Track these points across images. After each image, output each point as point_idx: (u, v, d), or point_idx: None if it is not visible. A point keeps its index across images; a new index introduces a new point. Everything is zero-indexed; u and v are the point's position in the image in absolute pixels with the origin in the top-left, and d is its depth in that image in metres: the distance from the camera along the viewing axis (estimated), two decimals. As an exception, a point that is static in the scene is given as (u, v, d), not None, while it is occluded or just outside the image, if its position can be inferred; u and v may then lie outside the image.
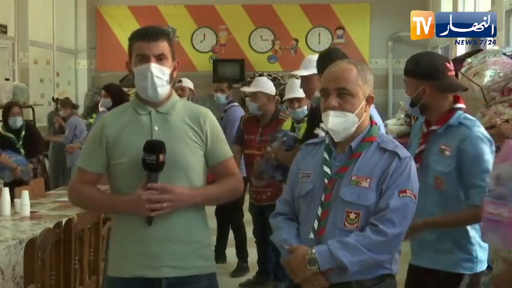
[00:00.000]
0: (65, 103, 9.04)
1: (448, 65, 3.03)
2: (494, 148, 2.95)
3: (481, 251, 2.95)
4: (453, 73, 3.07)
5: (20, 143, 6.80)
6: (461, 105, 3.03)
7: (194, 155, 2.62)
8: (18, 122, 6.83)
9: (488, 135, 2.94)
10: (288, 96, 5.15)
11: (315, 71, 4.03)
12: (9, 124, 6.81)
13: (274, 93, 5.69)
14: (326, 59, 3.64)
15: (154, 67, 2.56)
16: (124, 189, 2.59)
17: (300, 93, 4.95)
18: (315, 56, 4.34)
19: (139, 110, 2.64)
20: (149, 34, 2.58)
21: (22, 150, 6.78)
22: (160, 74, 2.58)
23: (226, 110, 6.38)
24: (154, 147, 2.49)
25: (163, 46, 2.60)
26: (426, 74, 2.98)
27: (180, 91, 7.02)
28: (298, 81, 5.28)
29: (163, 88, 2.61)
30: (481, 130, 2.93)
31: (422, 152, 3.00)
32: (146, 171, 2.52)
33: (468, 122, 2.95)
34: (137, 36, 2.61)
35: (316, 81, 4.01)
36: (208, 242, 2.73)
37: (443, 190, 2.91)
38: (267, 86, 5.68)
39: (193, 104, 2.81)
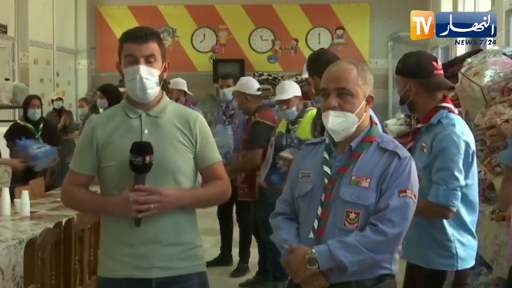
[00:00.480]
0: (87, 102, 9.20)
1: (434, 63, 3.09)
2: (473, 149, 2.98)
3: (462, 249, 2.97)
4: (439, 72, 3.12)
5: (39, 133, 6.87)
6: (446, 104, 3.08)
7: (183, 158, 2.63)
8: (37, 114, 6.90)
9: (464, 136, 2.96)
10: (276, 98, 5.22)
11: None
12: (28, 116, 6.89)
13: (254, 93, 5.74)
14: (317, 61, 3.66)
15: (143, 69, 2.57)
16: (114, 191, 2.60)
17: (286, 95, 4.99)
18: None
19: (129, 113, 2.65)
20: (138, 35, 2.58)
21: (41, 140, 6.84)
22: (149, 76, 2.58)
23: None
24: (141, 149, 2.50)
25: (153, 47, 2.60)
26: (412, 72, 3.08)
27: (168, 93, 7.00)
28: (288, 83, 5.35)
29: (153, 89, 2.61)
30: (455, 129, 2.95)
31: (411, 150, 3.05)
32: (134, 172, 2.52)
33: (445, 120, 3.00)
34: (126, 37, 2.62)
35: None
36: (198, 243, 2.73)
37: (423, 186, 2.93)
38: (244, 85, 5.74)
39: (184, 107, 2.82)
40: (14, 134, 6.87)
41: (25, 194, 4.71)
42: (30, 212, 4.70)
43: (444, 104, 3.07)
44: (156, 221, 2.57)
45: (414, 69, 3.07)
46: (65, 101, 10.23)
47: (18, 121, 7.08)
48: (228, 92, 6.44)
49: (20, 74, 10.11)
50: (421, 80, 3.04)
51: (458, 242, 2.97)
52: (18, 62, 10.15)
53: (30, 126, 6.83)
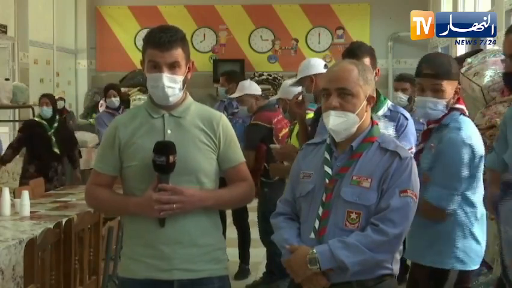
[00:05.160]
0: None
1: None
2: (481, 153, 2.95)
3: (462, 251, 2.95)
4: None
5: (52, 131, 6.95)
6: (459, 105, 3.04)
7: (206, 159, 2.61)
8: (45, 111, 6.98)
9: (470, 140, 2.93)
10: (276, 97, 5.32)
11: (312, 72, 4.15)
12: (39, 113, 7.07)
13: (259, 93, 5.83)
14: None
15: (166, 78, 2.54)
16: (136, 191, 2.58)
17: (290, 94, 5.02)
18: (313, 59, 4.39)
19: (152, 113, 2.63)
20: (162, 42, 2.52)
21: (53, 138, 6.92)
22: (172, 84, 2.55)
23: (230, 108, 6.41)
24: (164, 149, 2.48)
25: (177, 54, 2.55)
26: (454, 74, 3.04)
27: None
28: (290, 82, 5.37)
29: (175, 96, 2.59)
30: (461, 133, 2.92)
31: (422, 150, 3.04)
32: (157, 172, 2.50)
33: (454, 123, 2.96)
34: (150, 43, 2.56)
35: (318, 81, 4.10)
36: (221, 245, 2.72)
37: (427, 187, 2.93)
38: (251, 87, 5.81)
39: (207, 107, 2.79)
40: (27, 128, 7.08)
41: (25, 194, 4.72)
42: (30, 212, 4.71)
43: (457, 106, 3.03)
44: (178, 222, 2.55)
45: (454, 71, 3.04)
46: (66, 101, 10.23)
47: (35, 117, 7.28)
48: (221, 89, 6.54)
49: (20, 74, 10.10)
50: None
51: (461, 242, 2.95)
52: (18, 62, 10.14)
53: (44, 122, 6.95)
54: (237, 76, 6.92)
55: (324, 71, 4.30)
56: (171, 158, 2.47)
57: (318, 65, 4.22)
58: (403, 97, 5.90)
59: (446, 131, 2.96)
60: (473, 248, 3.00)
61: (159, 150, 2.48)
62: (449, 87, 3.00)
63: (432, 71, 2.99)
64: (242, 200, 2.78)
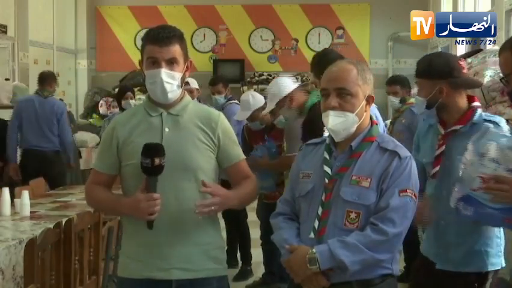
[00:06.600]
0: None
1: (461, 62, 2.97)
2: None
3: (500, 247, 2.91)
4: (466, 71, 3.00)
5: None
6: (477, 103, 2.96)
7: (204, 157, 2.61)
8: None
9: None
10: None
11: (286, 92, 4.27)
12: None
13: (263, 102, 5.49)
14: (322, 61, 3.66)
15: (164, 73, 2.55)
16: (134, 190, 2.57)
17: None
18: (280, 80, 4.43)
19: (150, 111, 2.64)
20: (160, 38, 2.55)
21: None
22: (171, 80, 2.57)
23: (223, 108, 6.35)
24: (150, 151, 2.46)
25: (175, 50, 2.58)
26: (443, 72, 2.91)
27: (189, 93, 6.94)
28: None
29: (173, 93, 2.60)
30: (507, 126, 2.85)
31: (443, 153, 2.91)
32: (145, 174, 2.50)
33: (494, 118, 2.88)
34: (149, 39, 2.59)
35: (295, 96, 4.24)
36: (220, 244, 2.72)
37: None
38: (256, 101, 5.49)
39: (206, 106, 2.80)
40: None
41: (25, 194, 4.72)
42: (30, 212, 4.70)
43: (477, 104, 2.94)
44: (177, 221, 2.55)
45: (445, 69, 2.91)
46: (66, 101, 10.22)
47: None
48: (220, 98, 6.52)
49: (20, 74, 10.08)
50: (452, 80, 2.88)
51: (502, 239, 2.92)
52: (18, 62, 10.12)
53: None
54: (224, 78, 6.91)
55: (296, 85, 4.38)
56: (156, 161, 2.45)
57: (288, 84, 4.32)
58: (395, 100, 6.13)
59: (488, 127, 2.79)
60: (500, 243, 2.94)
61: (145, 153, 2.47)
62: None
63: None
64: (254, 197, 2.82)
